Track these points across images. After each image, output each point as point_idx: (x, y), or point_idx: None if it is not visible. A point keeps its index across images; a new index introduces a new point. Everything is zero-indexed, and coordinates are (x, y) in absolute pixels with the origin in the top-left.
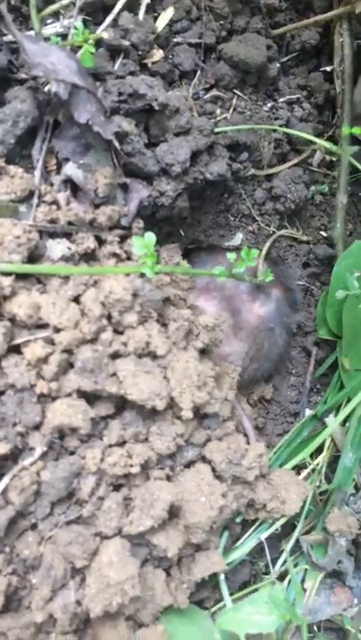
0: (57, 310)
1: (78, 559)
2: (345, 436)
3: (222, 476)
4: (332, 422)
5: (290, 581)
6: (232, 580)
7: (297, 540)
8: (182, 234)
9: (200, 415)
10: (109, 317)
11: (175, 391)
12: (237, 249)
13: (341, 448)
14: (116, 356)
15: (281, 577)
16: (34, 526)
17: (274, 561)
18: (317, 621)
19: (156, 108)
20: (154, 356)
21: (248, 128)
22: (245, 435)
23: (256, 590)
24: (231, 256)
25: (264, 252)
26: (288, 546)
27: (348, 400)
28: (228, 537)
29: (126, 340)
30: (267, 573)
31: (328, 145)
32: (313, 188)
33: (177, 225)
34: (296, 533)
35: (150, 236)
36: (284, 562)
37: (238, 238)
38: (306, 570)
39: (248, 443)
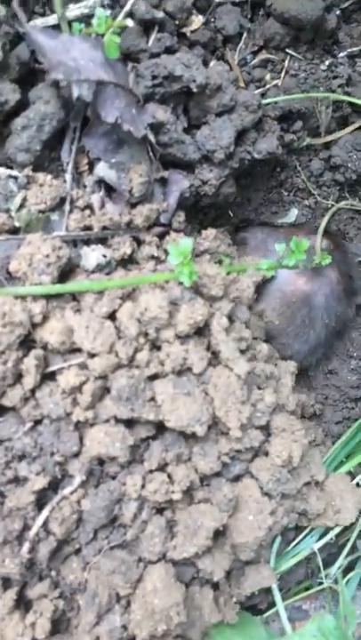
0: (90, 334)
1: (122, 588)
2: None
3: (270, 493)
4: None
5: (348, 582)
6: (287, 580)
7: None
8: (231, 214)
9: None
10: (146, 334)
11: (220, 410)
12: (292, 226)
13: None
14: (153, 377)
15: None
16: (78, 551)
17: (330, 562)
18: None
19: (195, 90)
20: (193, 373)
21: (302, 97)
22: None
23: (310, 589)
24: (280, 248)
25: (322, 228)
26: (344, 551)
27: None
28: (282, 542)
29: (164, 357)
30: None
31: None
32: None
33: (224, 207)
34: (353, 537)
35: (186, 243)
36: (340, 567)
37: (293, 214)
38: None
39: None
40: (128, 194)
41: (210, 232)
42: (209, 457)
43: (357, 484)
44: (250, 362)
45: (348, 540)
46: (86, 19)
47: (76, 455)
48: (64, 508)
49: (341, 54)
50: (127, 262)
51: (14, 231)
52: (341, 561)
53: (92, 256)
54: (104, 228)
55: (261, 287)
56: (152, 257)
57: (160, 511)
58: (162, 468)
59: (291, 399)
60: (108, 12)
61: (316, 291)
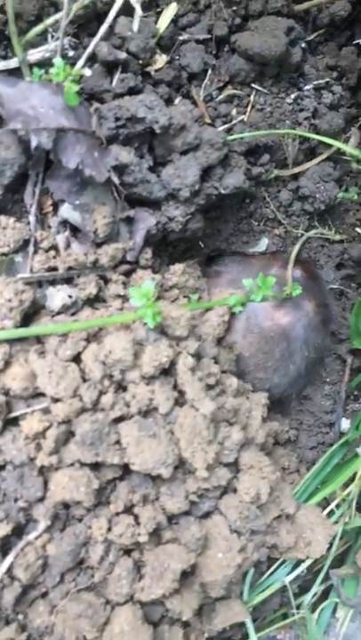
0: (53, 379)
1: (88, 632)
2: None
3: (239, 531)
4: None
5: (322, 610)
6: (261, 610)
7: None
8: (202, 245)
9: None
10: (111, 376)
11: (187, 452)
12: (264, 254)
13: None
14: (118, 419)
15: (313, 605)
16: (44, 595)
17: (305, 589)
18: None
19: (158, 131)
20: (159, 413)
21: (266, 133)
22: None
23: (286, 616)
24: (248, 283)
25: (292, 257)
26: (318, 580)
27: None
28: (255, 573)
29: (130, 398)
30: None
31: None
32: (347, 179)
33: (193, 240)
34: (326, 566)
35: (148, 285)
36: (315, 594)
37: (263, 244)
38: (337, 602)
39: None
40: (93, 234)
41: (178, 267)
42: (176, 497)
43: (331, 512)
44: (219, 397)
45: (322, 566)
46: (48, 62)
47: (41, 500)
48: (29, 553)
49: (307, 87)
50: (94, 301)
51: None
52: (316, 589)
53: (57, 296)
54: (69, 268)
55: (235, 320)
56: (119, 295)
57: (127, 552)
58: (128, 509)
59: (260, 433)
60: (72, 52)
61: (294, 323)
